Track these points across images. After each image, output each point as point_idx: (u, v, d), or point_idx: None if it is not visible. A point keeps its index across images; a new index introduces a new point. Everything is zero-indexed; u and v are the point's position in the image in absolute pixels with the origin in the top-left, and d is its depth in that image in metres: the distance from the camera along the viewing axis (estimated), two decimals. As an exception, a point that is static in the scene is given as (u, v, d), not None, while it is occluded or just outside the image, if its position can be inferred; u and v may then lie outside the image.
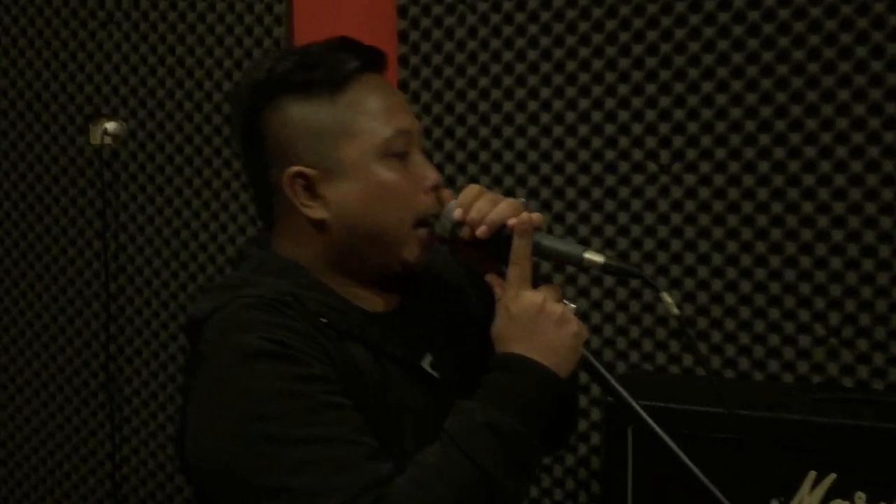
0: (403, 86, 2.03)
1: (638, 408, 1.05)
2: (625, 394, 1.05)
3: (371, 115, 1.05)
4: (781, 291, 1.82)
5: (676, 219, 1.88)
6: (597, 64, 1.90)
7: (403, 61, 2.03)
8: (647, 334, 1.89)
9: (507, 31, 1.96)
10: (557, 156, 1.95)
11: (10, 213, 2.41)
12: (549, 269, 1.96)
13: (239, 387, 0.95)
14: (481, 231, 1.03)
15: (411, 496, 0.91)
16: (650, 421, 1.04)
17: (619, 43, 1.88)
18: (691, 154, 1.86)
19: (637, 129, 1.89)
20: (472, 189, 1.07)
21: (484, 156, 2.01)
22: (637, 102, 1.88)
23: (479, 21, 1.98)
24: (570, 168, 1.94)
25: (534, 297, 1.01)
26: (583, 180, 1.93)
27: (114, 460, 2.36)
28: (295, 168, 1.04)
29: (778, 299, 1.82)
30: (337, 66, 1.04)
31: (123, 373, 2.35)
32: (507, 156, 1.99)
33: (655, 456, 1.48)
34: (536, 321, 1.00)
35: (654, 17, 1.85)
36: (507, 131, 1.98)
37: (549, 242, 1.05)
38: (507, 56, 1.96)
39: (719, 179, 1.84)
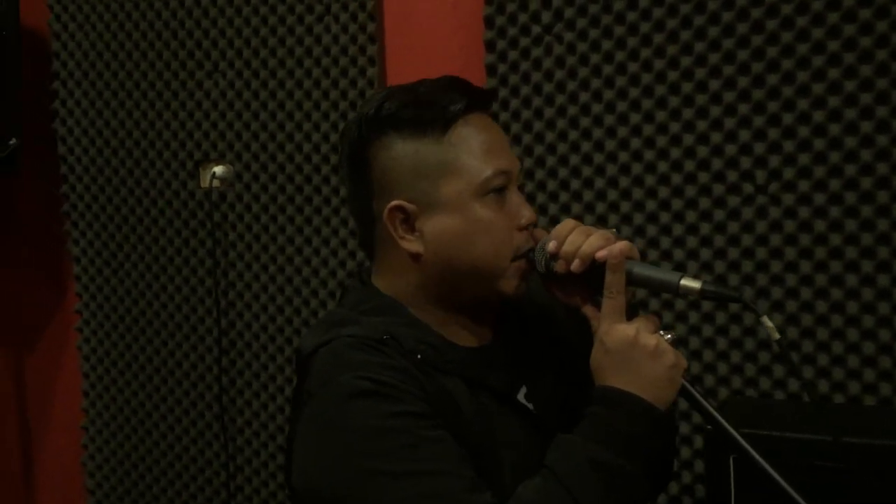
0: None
1: (738, 436, 1.04)
2: (725, 423, 1.04)
3: (473, 154, 1.08)
4: (891, 311, 1.75)
5: (776, 240, 1.84)
6: (686, 87, 1.89)
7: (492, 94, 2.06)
8: (750, 359, 1.85)
9: (595, 58, 1.97)
10: (649, 180, 1.94)
11: (130, 255, 2.56)
12: (645, 294, 1.94)
13: (340, 424, 0.99)
14: (575, 265, 1.05)
15: None
16: (751, 450, 1.03)
17: (709, 64, 1.87)
18: (788, 174, 1.82)
19: (731, 149, 1.86)
20: (567, 223, 1.09)
21: (575, 184, 2.01)
22: (729, 123, 1.86)
23: (567, 50, 1.99)
24: (663, 192, 1.93)
25: (627, 331, 1.02)
26: (676, 204, 1.92)
27: (228, 489, 2.46)
28: (396, 202, 1.08)
29: (888, 320, 1.75)
30: (445, 106, 1.08)
31: (236, 404, 2.45)
32: (599, 182, 1.99)
33: (758, 485, 1.46)
34: (631, 355, 1.01)
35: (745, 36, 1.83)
36: (598, 158, 1.99)
37: (643, 271, 1.05)
38: (596, 83, 1.97)
39: (820, 198, 1.80)
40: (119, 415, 2.64)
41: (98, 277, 2.61)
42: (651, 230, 1.94)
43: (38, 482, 2.88)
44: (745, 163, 1.85)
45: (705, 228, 1.89)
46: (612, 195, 1.97)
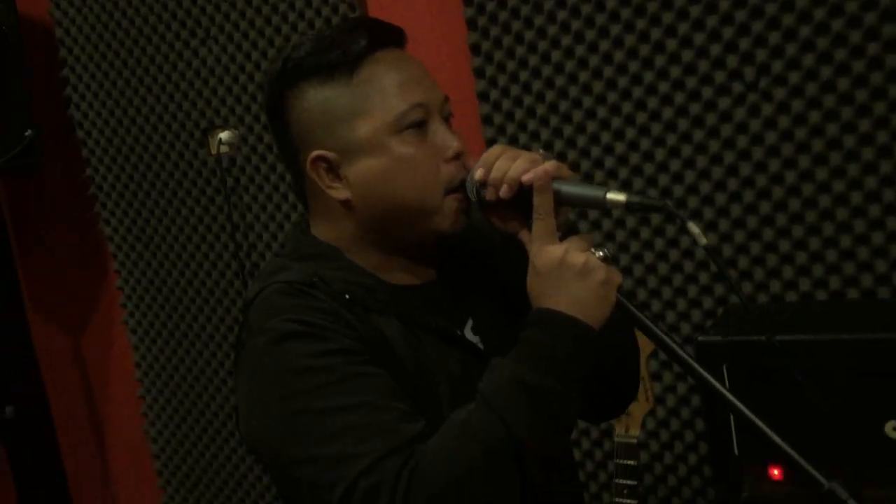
0: (479, 72, 2.03)
1: (676, 347, 1.02)
2: (664, 335, 1.02)
3: (384, 91, 1.06)
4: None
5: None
6: (656, 33, 1.83)
7: (475, 49, 2.03)
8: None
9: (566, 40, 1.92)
10: (634, 158, 1.90)
11: (157, 227, 2.63)
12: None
13: (271, 368, 1.01)
14: (503, 191, 1.04)
15: (439, 455, 0.94)
16: (691, 360, 1.01)
17: (695, 45, 1.81)
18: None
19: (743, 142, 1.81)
20: (494, 149, 1.07)
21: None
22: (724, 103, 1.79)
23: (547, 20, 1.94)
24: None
25: (555, 251, 1.00)
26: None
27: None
28: (316, 152, 1.08)
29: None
30: (348, 46, 1.06)
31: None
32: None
33: (755, 389, 1.43)
34: (560, 274, 0.99)
35: None
36: (582, 141, 1.95)
37: (570, 189, 1.03)
38: (576, 25, 1.92)
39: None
40: (170, 381, 2.75)
41: (132, 253, 2.70)
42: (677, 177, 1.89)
43: (109, 454, 3.04)
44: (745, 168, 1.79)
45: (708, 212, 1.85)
46: (598, 177, 1.94)
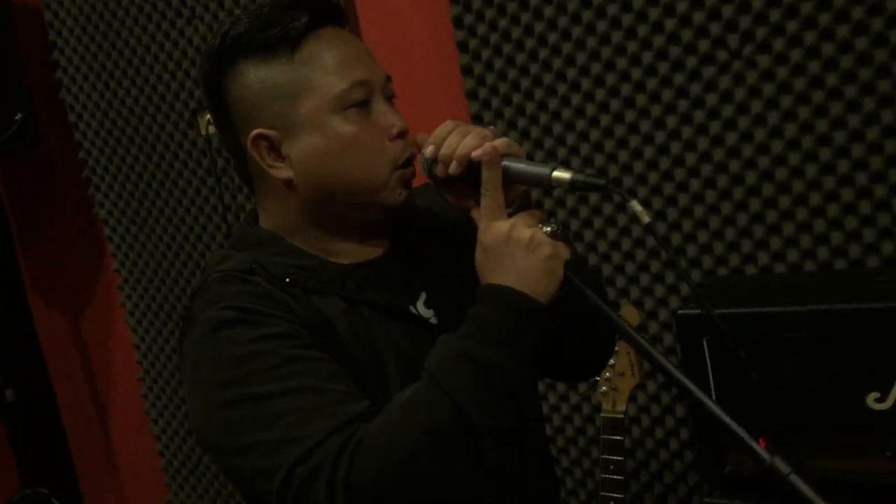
0: (463, 46, 2.01)
1: (622, 322, 0.99)
2: (608, 310, 1.00)
3: (325, 69, 1.04)
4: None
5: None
6: (654, 14, 1.79)
7: (463, 47, 2.02)
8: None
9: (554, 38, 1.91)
10: (623, 156, 1.89)
11: (151, 210, 2.63)
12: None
13: (208, 358, 1.00)
14: (453, 167, 1.02)
15: (382, 433, 0.92)
16: (631, 331, 0.98)
17: (683, 41, 1.75)
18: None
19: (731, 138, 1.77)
20: (446, 125, 1.05)
21: (557, 128, 1.95)
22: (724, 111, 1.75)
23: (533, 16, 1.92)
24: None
25: (501, 227, 0.99)
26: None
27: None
28: (256, 130, 1.05)
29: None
30: (288, 24, 1.04)
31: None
32: (580, 125, 1.93)
33: (734, 365, 1.41)
34: (506, 249, 0.98)
35: None
36: (571, 139, 1.91)
37: (518, 166, 1.01)
38: (563, 22, 1.90)
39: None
40: (169, 363, 2.76)
41: (128, 236, 2.71)
42: (641, 192, 1.89)
43: (112, 435, 3.07)
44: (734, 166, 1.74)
45: (695, 185, 1.83)
46: (599, 161, 1.92)
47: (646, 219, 0.95)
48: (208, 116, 2.38)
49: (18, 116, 2.45)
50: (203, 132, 2.44)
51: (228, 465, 0.98)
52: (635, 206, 0.96)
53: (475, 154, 1.00)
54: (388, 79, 1.09)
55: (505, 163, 1.01)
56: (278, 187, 1.08)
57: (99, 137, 2.65)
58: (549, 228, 1.00)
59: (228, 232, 2.47)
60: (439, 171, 1.04)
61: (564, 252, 1.00)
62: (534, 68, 1.95)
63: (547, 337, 1.00)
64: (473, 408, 0.92)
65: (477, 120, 2.03)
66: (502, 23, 1.96)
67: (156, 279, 2.70)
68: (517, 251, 0.98)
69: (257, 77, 1.05)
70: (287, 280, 1.04)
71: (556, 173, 0.99)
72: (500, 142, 1.01)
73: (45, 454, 3.02)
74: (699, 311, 1.46)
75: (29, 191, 2.95)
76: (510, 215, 1.02)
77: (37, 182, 2.92)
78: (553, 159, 1.96)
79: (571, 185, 0.98)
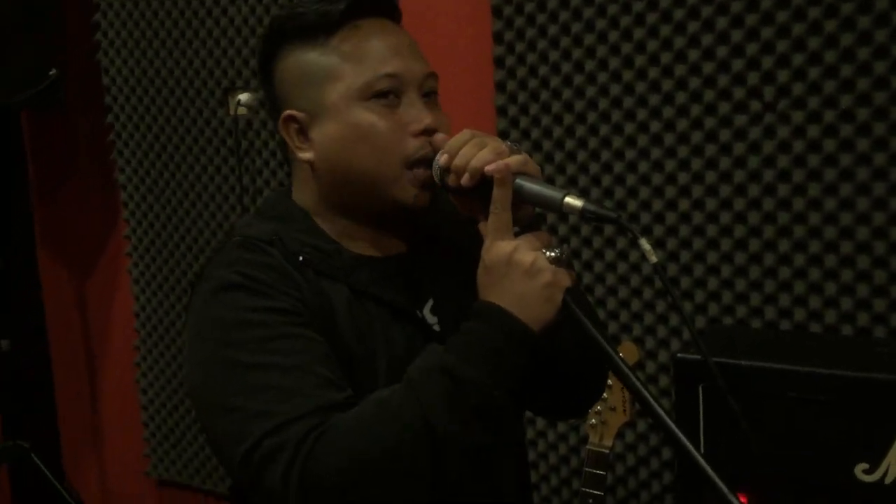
0: (499, 62, 2.02)
1: (615, 354, 0.98)
2: (604, 342, 0.98)
3: (357, 58, 1.06)
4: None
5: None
6: (693, 27, 1.78)
7: (499, 62, 2.02)
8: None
9: (601, 24, 1.89)
10: (656, 178, 1.87)
11: (169, 181, 2.64)
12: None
13: (210, 315, 1.02)
14: (465, 180, 1.02)
15: (350, 427, 0.93)
16: (625, 368, 0.97)
17: (718, 58, 1.77)
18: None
19: (739, 147, 1.78)
20: (463, 134, 1.05)
21: (582, 156, 1.95)
22: (738, 120, 1.74)
23: (572, 17, 1.91)
24: (670, 166, 1.85)
25: (505, 247, 0.98)
26: (682, 204, 1.85)
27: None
28: (287, 111, 1.08)
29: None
30: (326, 11, 1.07)
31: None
32: (605, 155, 1.92)
33: (727, 414, 1.40)
34: (506, 272, 0.98)
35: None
36: (604, 129, 1.92)
37: (531, 187, 1.00)
38: (602, 51, 1.89)
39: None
40: (166, 335, 2.77)
41: (143, 204, 2.72)
42: (657, 230, 1.88)
43: (99, 398, 3.07)
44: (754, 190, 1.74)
45: (712, 231, 1.83)
46: (619, 167, 1.91)
47: (653, 258, 0.95)
48: (238, 97, 2.42)
49: (53, 72, 2.47)
50: (231, 112, 2.45)
51: (206, 421, 1.01)
52: (644, 244, 0.95)
53: (488, 169, 0.99)
54: (431, 76, 1.09)
55: (518, 181, 1.00)
56: (304, 169, 1.11)
57: (129, 103, 2.66)
58: (553, 253, 0.99)
59: (243, 213, 2.47)
60: (451, 180, 1.03)
61: (565, 280, 0.99)
62: (566, 93, 1.95)
63: (536, 366, 0.99)
64: (441, 421, 0.92)
65: (503, 136, 2.03)
66: (541, 44, 1.96)
67: (164, 251, 2.71)
68: (516, 274, 0.97)
69: (296, 61, 1.08)
70: (301, 259, 1.05)
71: (568, 199, 0.98)
72: (515, 159, 1.00)
73: (31, 409, 3.02)
74: (698, 357, 1.45)
75: (52, 146, 2.96)
76: (517, 234, 1.01)
77: (61, 139, 2.93)
78: (573, 186, 1.96)
79: (582, 214, 0.97)
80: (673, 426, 0.92)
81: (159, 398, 2.82)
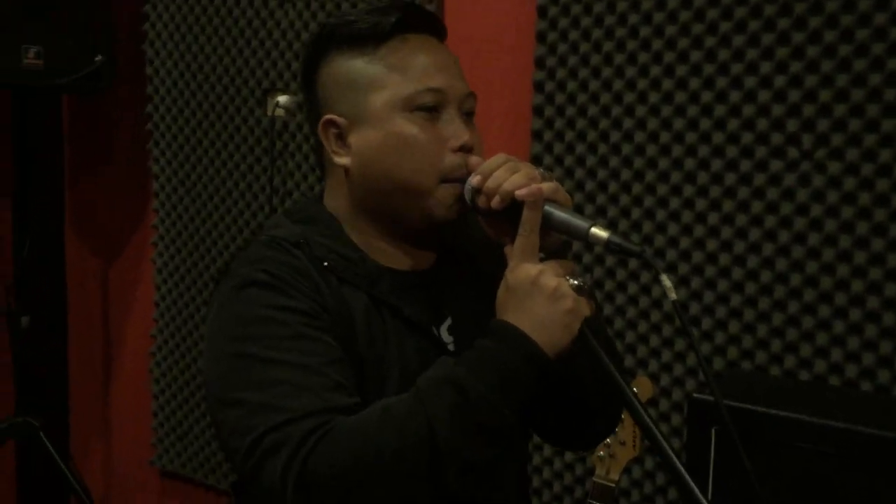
0: (539, 86, 2.02)
1: (626, 387, 0.97)
2: (617, 375, 0.98)
3: (403, 70, 1.08)
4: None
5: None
6: (736, 68, 1.78)
7: (539, 87, 2.03)
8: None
9: (643, 57, 1.89)
10: (688, 190, 1.86)
11: (202, 175, 2.67)
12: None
13: (230, 310, 1.03)
14: (495, 202, 1.03)
15: (354, 430, 0.93)
16: (641, 410, 0.96)
17: (761, 73, 1.76)
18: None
19: (776, 165, 1.76)
20: (497, 158, 1.06)
21: (613, 187, 1.95)
22: (776, 139, 1.74)
23: (616, 48, 1.92)
24: (701, 204, 1.84)
25: (530, 270, 0.99)
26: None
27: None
28: (328, 116, 1.10)
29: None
30: (378, 21, 1.09)
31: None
32: (636, 188, 1.92)
33: (738, 458, 1.38)
34: (529, 294, 0.98)
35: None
36: (638, 163, 1.92)
37: (560, 214, 1.01)
38: (643, 58, 1.89)
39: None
40: (183, 326, 2.78)
41: (173, 195, 2.74)
42: (682, 268, 1.87)
43: (112, 383, 3.09)
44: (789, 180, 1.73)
45: (737, 273, 1.81)
46: (650, 177, 1.90)
47: (673, 296, 0.95)
48: (278, 98, 2.45)
49: (99, 58, 2.50)
50: (269, 113, 2.47)
51: (215, 412, 1.02)
52: (665, 281, 0.95)
53: (519, 193, 1.01)
54: (471, 95, 1.11)
55: (547, 208, 1.01)
56: (339, 174, 1.12)
57: (170, 95, 2.69)
58: (576, 282, 1.00)
59: (271, 213, 2.49)
60: (481, 202, 1.05)
61: (586, 309, 0.99)
62: (603, 123, 1.95)
63: (548, 390, 0.99)
64: (446, 434, 0.92)
65: (536, 161, 2.03)
66: (582, 73, 1.97)
67: (190, 243, 2.73)
68: (539, 298, 0.98)
69: (341, 67, 1.10)
70: (325, 264, 1.06)
71: (594, 230, 0.99)
72: (548, 186, 1.01)
73: (44, 388, 3.05)
74: (713, 398, 1.43)
75: (90, 131, 3.00)
76: (542, 260, 1.02)
77: (100, 124, 2.97)
78: (602, 216, 1.96)
79: (607, 245, 0.98)
80: (679, 466, 0.91)
81: (171, 389, 2.84)
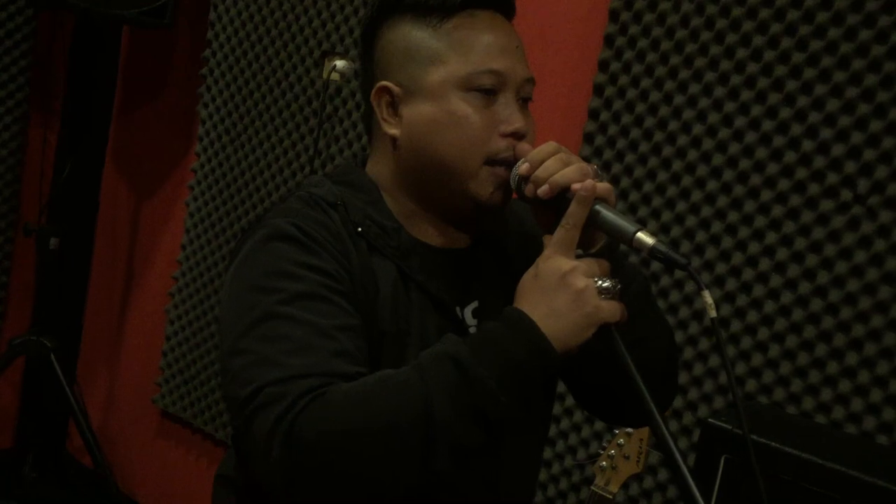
0: (598, 89, 2.00)
1: (650, 401, 0.95)
2: (642, 386, 0.96)
3: (465, 47, 1.06)
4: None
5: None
6: (810, 72, 1.74)
7: (598, 90, 2.01)
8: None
9: (709, 76, 1.85)
10: (738, 190, 1.82)
11: (248, 128, 2.67)
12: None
13: (255, 259, 1.02)
14: (543, 190, 1.01)
15: (348, 395, 0.92)
16: (663, 427, 0.94)
17: (840, 53, 1.71)
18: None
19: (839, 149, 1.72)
20: (549, 146, 1.05)
21: (657, 201, 1.93)
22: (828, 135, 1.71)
23: (683, 63, 1.88)
24: (744, 232, 1.81)
25: (562, 264, 0.97)
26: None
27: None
28: (384, 82, 1.08)
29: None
30: None
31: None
32: (680, 206, 1.89)
33: (746, 491, 1.37)
34: (554, 288, 0.97)
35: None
36: (702, 170, 1.88)
37: (608, 214, 1.00)
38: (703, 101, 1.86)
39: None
40: (206, 273, 2.80)
41: (217, 143, 2.75)
42: (733, 215, 1.83)
43: (127, 316, 3.12)
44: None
45: (769, 307, 1.77)
46: (713, 185, 1.86)
47: (713, 313, 0.93)
48: (335, 62, 2.44)
49: (165, -4, 2.52)
50: (325, 76, 2.47)
51: (224, 358, 1.01)
52: (706, 297, 0.93)
53: (574, 186, 0.99)
54: (530, 81, 1.09)
55: (596, 206, 1.00)
56: (386, 143, 1.11)
57: (229, 43, 2.70)
58: (606, 284, 0.98)
59: (311, 174, 2.49)
60: (528, 190, 1.03)
61: (608, 313, 0.97)
62: (658, 135, 1.93)
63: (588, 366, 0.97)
64: (442, 410, 0.90)
65: (586, 140, 2.02)
66: (644, 82, 1.95)
67: (225, 192, 2.74)
68: (563, 295, 0.96)
69: (404, 35, 1.08)
70: (359, 229, 1.05)
71: (640, 234, 0.97)
72: (602, 186, 1.00)
73: (62, 311, 3.08)
74: (728, 426, 1.42)
75: (146, 65, 3.02)
76: (578, 257, 1.00)
77: (156, 61, 2.99)
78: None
79: (651, 252, 0.96)
80: (692, 485, 0.90)
81: (184, 332, 2.85)
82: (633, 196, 1.96)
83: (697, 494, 0.90)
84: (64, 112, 3.03)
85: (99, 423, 3.09)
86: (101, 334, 3.17)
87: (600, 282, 0.98)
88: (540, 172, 1.01)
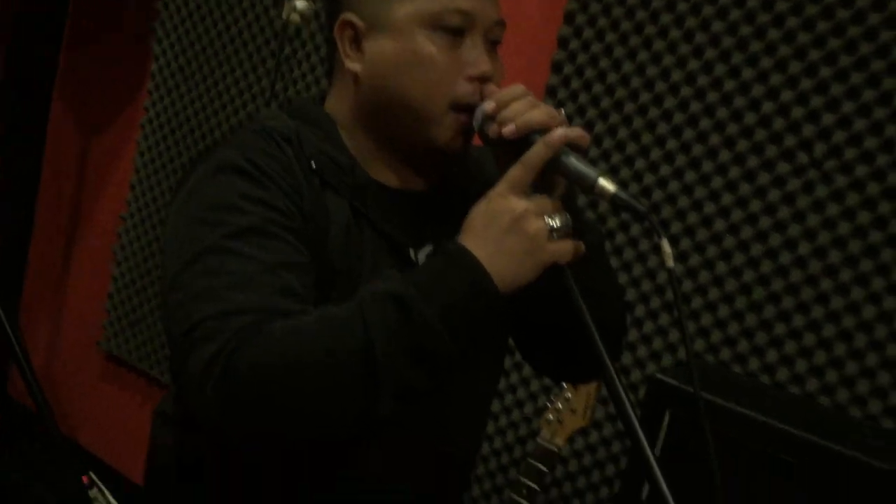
0: (557, 67, 1.97)
1: (598, 340, 0.93)
2: (593, 332, 0.94)
3: None
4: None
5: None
6: (768, 62, 1.74)
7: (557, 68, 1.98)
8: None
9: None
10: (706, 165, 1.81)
11: (203, 66, 2.59)
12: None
13: (202, 190, 0.98)
14: (508, 130, 0.98)
15: (289, 329, 0.89)
16: (611, 369, 0.93)
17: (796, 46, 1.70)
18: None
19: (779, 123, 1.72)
20: (515, 88, 1.01)
21: (638, 122, 1.89)
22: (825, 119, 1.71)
23: (650, 19, 1.86)
24: (708, 166, 1.80)
25: (515, 204, 0.94)
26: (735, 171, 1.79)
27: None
28: (347, 15, 1.04)
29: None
30: None
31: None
32: (663, 127, 1.87)
33: (689, 447, 1.38)
34: (507, 229, 0.93)
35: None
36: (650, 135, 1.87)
37: (571, 159, 0.96)
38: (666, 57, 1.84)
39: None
40: (155, 214, 2.73)
41: (170, 80, 2.67)
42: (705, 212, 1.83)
43: (74, 256, 3.04)
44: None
45: (739, 258, 1.77)
46: (665, 170, 1.85)
47: (670, 263, 0.91)
48: (295, 2, 2.37)
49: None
50: (284, 16, 2.39)
51: (164, 292, 0.97)
52: (665, 246, 0.91)
53: (550, 136, 0.95)
54: (500, 23, 1.06)
55: (563, 152, 0.96)
56: (346, 79, 1.07)
57: (185, -22, 2.61)
58: (557, 223, 0.95)
59: (266, 118, 2.43)
60: (492, 130, 1.00)
61: (561, 255, 0.95)
62: (620, 91, 1.91)
63: (537, 325, 0.95)
64: (384, 347, 0.88)
65: (551, 93, 1.99)
66: (609, 36, 1.92)
67: (178, 132, 2.67)
68: (513, 237, 0.93)
69: None
70: (312, 164, 1.02)
71: (602, 181, 0.94)
72: (578, 134, 0.96)
73: (2, 249, 3.00)
74: (675, 382, 1.43)
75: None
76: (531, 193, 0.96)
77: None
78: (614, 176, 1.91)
79: (612, 200, 0.93)
80: (640, 433, 0.90)
81: (131, 274, 2.79)
82: (607, 143, 1.94)
83: (642, 434, 0.90)
84: (9, 44, 2.91)
85: (42, 366, 3.03)
86: (46, 275, 3.09)
87: (552, 221, 0.95)
88: (507, 113, 0.98)
